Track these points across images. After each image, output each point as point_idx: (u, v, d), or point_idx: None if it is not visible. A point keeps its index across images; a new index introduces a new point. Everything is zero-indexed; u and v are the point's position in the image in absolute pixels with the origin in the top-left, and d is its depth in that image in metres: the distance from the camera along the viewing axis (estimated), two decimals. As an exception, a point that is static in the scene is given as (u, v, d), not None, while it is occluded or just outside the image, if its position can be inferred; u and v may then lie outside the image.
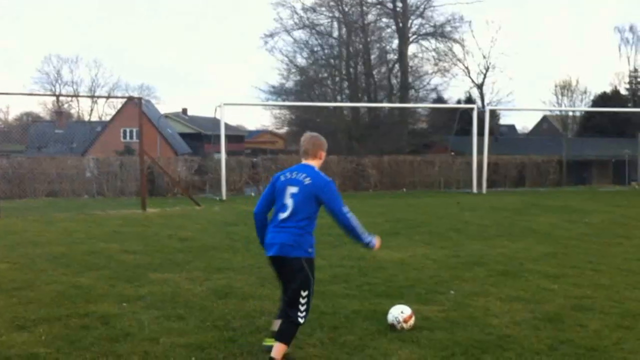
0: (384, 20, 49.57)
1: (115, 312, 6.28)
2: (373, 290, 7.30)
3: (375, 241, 5.02)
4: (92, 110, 74.55)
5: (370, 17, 49.46)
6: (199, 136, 64.45)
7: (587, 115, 54.41)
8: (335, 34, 49.91)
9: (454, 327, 5.81)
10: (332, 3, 47.58)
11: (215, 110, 23.29)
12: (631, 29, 59.84)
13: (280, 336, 4.71)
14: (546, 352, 5.12)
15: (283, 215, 4.80)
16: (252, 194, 24.37)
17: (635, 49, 60.45)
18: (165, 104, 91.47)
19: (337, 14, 48.40)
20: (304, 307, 4.79)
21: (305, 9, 47.62)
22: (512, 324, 5.87)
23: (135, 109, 23.93)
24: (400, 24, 47.88)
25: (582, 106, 61.66)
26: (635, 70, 59.86)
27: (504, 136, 54.70)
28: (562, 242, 11.01)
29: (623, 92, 59.09)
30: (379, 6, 48.73)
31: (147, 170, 19.24)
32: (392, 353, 5.09)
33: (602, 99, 54.06)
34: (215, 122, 26.96)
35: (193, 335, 5.53)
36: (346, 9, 48.21)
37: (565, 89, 63.58)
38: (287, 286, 4.90)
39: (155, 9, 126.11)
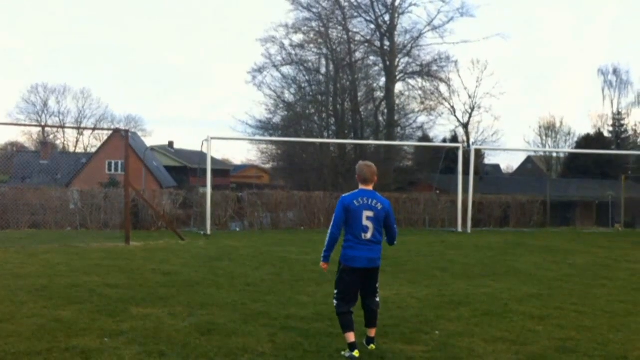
0: (372, 58, 50.14)
1: (96, 347, 6.19)
2: (358, 329, 7.23)
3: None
4: (77, 141, 74.57)
5: (358, 55, 50.02)
6: (185, 169, 64.41)
7: (571, 157, 54.97)
8: (323, 70, 50.36)
9: (439, 367, 5.78)
10: (320, 40, 48.11)
11: (202, 143, 23.29)
12: (615, 72, 60.92)
13: (373, 322, 6.39)
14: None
15: (366, 235, 6.10)
16: (237, 229, 24.29)
17: (618, 91, 61.36)
18: (152, 137, 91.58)
19: (325, 51, 48.92)
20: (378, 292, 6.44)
21: (293, 46, 48.08)
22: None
23: (121, 141, 23.85)
24: (388, 63, 48.41)
25: (566, 147, 62.37)
26: (619, 113, 60.75)
27: (489, 176, 55.07)
28: (547, 283, 11.03)
29: (606, 134, 59.84)
30: (366, 44, 49.31)
31: (131, 203, 19.14)
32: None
33: (586, 141, 54.75)
34: (201, 156, 26.91)
35: (175, 372, 5.46)
36: (334, 47, 48.73)
37: (549, 129, 64.37)
38: (368, 285, 6.31)
39: (146, 45, 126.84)
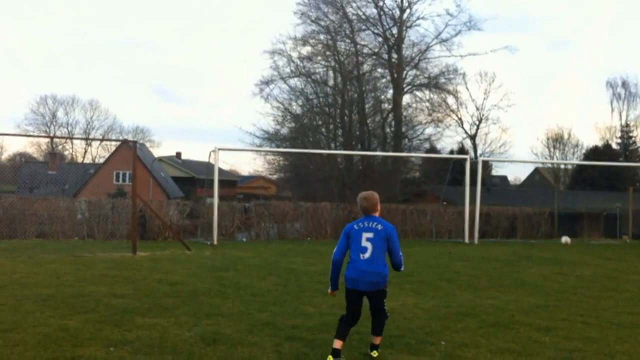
0: (379, 70, 50.29)
1: (102, 356, 6.20)
2: (363, 339, 7.24)
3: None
4: (85, 152, 74.88)
5: (366, 67, 50.15)
6: (192, 180, 64.55)
7: (579, 168, 54.82)
8: (331, 82, 50.50)
9: (444, 378, 5.76)
10: (328, 53, 48.28)
11: (210, 154, 23.34)
12: (623, 84, 60.83)
13: (379, 331, 6.45)
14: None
15: (364, 255, 6.09)
16: (244, 240, 24.29)
17: (627, 103, 61.25)
18: (159, 148, 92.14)
19: (333, 63, 49.08)
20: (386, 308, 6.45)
21: (301, 58, 48.25)
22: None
23: (129, 152, 23.90)
24: (395, 75, 48.54)
25: (574, 159, 62.26)
26: (627, 125, 60.61)
27: (496, 187, 54.94)
28: (553, 295, 10.98)
29: (615, 146, 59.69)
30: (374, 57, 49.45)
31: (138, 214, 19.19)
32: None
33: (594, 153, 54.59)
34: (208, 167, 26.96)
35: (180, 381, 5.46)
36: (342, 59, 48.88)
37: (557, 141, 64.26)
38: (372, 304, 6.41)
39: (152, 54, 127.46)
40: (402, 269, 6.49)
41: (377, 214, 6.32)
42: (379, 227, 6.16)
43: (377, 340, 6.47)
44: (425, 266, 15.10)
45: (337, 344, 6.13)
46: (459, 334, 7.61)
